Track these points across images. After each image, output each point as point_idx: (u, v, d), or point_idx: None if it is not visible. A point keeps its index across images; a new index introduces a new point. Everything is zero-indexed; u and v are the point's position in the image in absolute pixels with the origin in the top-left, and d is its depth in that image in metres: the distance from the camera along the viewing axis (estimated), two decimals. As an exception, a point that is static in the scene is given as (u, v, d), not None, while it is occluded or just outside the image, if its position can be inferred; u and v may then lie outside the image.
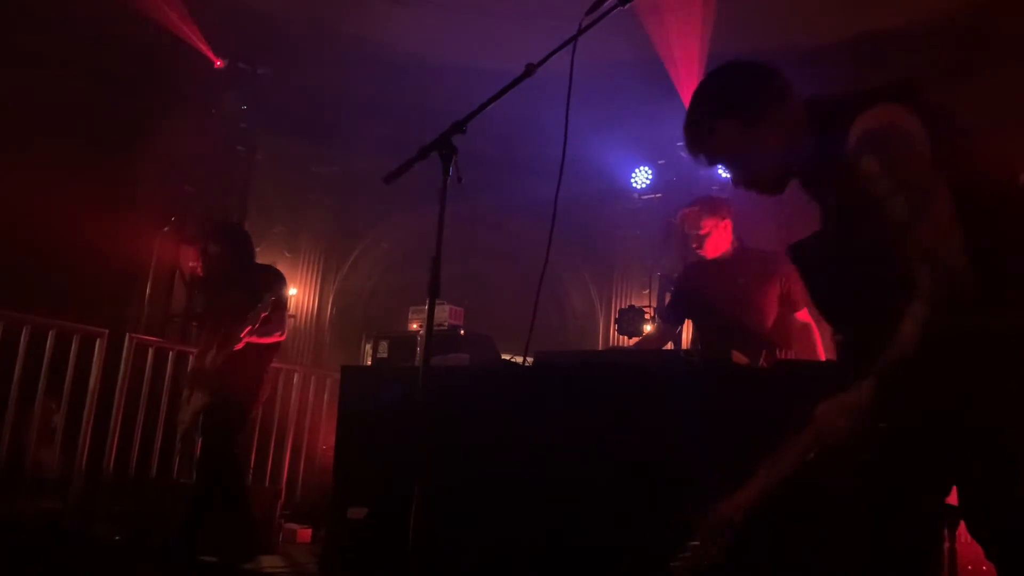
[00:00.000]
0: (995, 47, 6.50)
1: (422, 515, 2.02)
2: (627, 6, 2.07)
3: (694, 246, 4.10)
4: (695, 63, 7.13)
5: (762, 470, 1.84)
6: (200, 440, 4.26)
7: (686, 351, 4.95)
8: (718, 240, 4.02)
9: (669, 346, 4.57)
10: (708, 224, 3.99)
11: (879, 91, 1.85)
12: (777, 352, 3.87)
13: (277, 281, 4.39)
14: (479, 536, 3.19)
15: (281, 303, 4.36)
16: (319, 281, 9.03)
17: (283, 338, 4.44)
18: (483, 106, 2.08)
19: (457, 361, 4.08)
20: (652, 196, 8.13)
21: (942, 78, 6.62)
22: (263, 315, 4.12)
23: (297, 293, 8.73)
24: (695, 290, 4.18)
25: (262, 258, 8.30)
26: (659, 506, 2.83)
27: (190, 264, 4.36)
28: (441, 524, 2.22)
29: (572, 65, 2.09)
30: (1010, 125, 6.36)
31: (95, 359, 5.39)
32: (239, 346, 4.13)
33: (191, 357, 4.54)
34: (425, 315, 2.18)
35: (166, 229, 7.32)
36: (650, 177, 8.17)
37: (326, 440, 6.39)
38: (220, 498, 4.20)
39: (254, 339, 4.18)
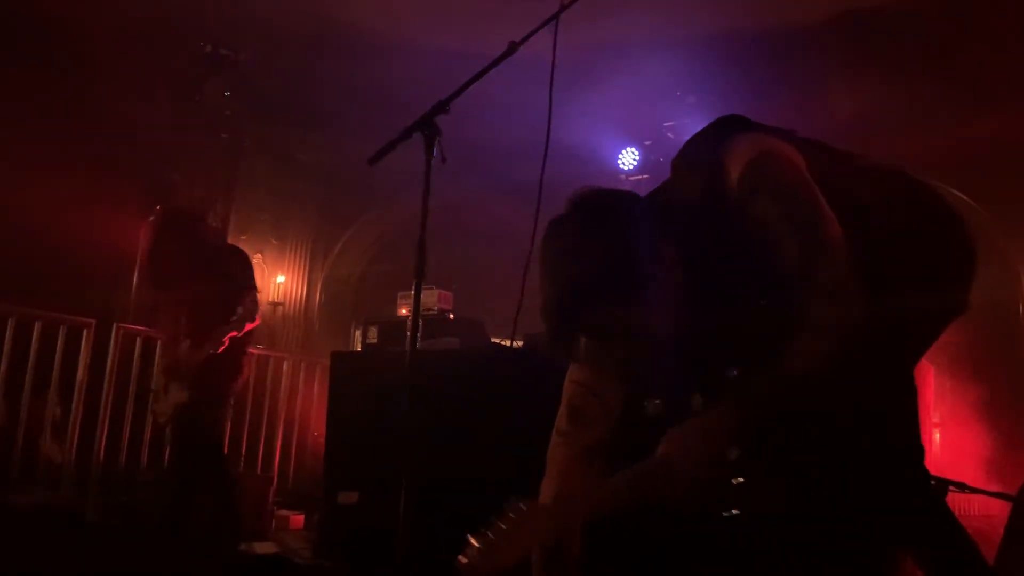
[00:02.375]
0: (984, 24, 6.50)
1: (412, 499, 2.02)
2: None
3: None
4: (681, 42, 7.10)
5: (602, 488, 1.68)
6: (179, 431, 4.23)
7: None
8: None
9: None
10: None
11: (727, 123, 1.78)
12: None
13: (245, 265, 4.32)
14: (470, 520, 3.19)
15: (253, 289, 4.29)
16: (307, 268, 8.99)
17: (258, 322, 4.37)
18: (466, 85, 2.06)
19: (447, 345, 4.08)
20: (639, 177, 8.12)
21: (931, 56, 6.64)
22: (248, 327, 4.11)
23: (285, 280, 8.69)
24: None
25: (249, 245, 8.29)
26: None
27: (144, 259, 4.18)
28: (432, 508, 2.22)
29: (555, 42, 2.07)
30: (999, 102, 6.41)
31: (82, 350, 5.35)
32: (221, 349, 4.07)
33: (166, 347, 4.45)
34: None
35: (151, 218, 7.25)
36: (637, 158, 8.16)
37: (317, 427, 6.39)
38: (206, 485, 4.18)
39: (232, 333, 4.15)
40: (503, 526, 1.60)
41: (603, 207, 1.70)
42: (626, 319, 1.64)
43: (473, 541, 1.60)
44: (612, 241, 1.63)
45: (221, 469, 4.33)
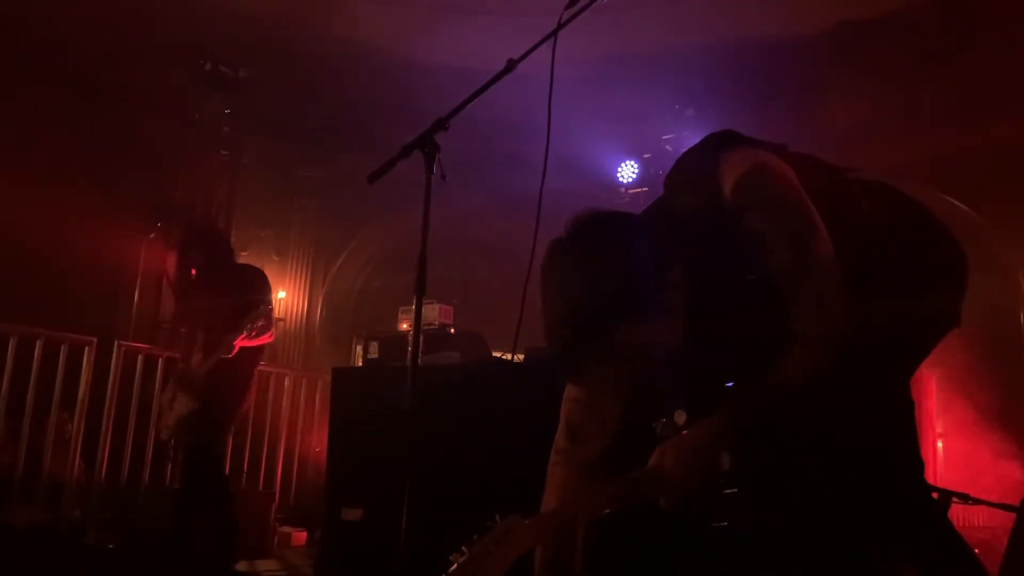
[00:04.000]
0: (981, 33, 6.54)
1: (414, 515, 2.02)
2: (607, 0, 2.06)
3: None
4: (679, 56, 7.13)
5: (584, 497, 1.73)
6: (185, 445, 4.24)
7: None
8: None
9: None
10: None
11: (721, 138, 1.78)
12: None
13: (263, 283, 4.37)
14: (472, 535, 3.18)
15: (269, 304, 4.32)
16: (308, 283, 9.00)
17: (271, 339, 4.41)
18: (465, 102, 2.07)
19: (448, 360, 4.08)
20: (639, 190, 8.14)
21: (929, 66, 6.67)
22: (260, 323, 4.10)
23: (286, 296, 8.70)
24: None
25: (250, 261, 8.30)
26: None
27: (171, 273, 4.30)
28: (434, 523, 2.22)
29: (553, 60, 2.08)
30: (997, 111, 6.44)
31: (84, 367, 5.35)
32: (232, 354, 4.09)
33: (179, 360, 4.49)
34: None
35: (152, 236, 7.29)
36: (636, 171, 8.19)
37: (319, 442, 6.38)
38: (205, 501, 4.17)
39: (245, 343, 4.16)
40: (485, 542, 1.61)
41: (607, 227, 1.69)
42: (636, 338, 1.62)
43: (454, 559, 1.60)
44: (620, 261, 1.61)
45: (220, 484, 4.32)
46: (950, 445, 5.66)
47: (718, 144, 1.77)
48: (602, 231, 1.68)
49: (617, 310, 1.59)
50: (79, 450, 5.31)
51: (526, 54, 2.08)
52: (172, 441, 4.45)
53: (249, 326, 4.07)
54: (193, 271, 4.28)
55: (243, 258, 8.11)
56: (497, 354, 4.36)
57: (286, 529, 5.68)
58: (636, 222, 1.75)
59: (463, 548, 1.61)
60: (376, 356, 4.69)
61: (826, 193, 1.71)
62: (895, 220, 1.83)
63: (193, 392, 4.14)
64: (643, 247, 1.64)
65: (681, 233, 1.69)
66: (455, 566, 1.60)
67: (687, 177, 1.80)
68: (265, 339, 4.31)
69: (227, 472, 5.00)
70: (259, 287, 4.31)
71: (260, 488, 6.04)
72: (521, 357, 3.75)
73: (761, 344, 1.64)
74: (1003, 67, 6.42)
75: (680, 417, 1.72)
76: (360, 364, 4.91)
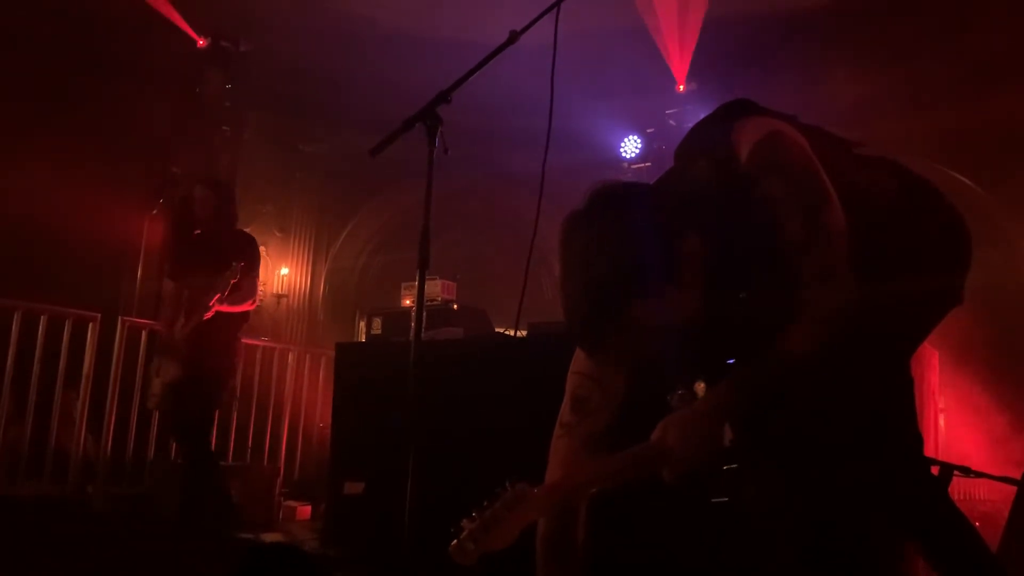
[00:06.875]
0: (986, 5, 6.47)
1: (418, 489, 2.03)
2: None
3: None
4: (683, 30, 7.08)
5: (591, 468, 1.75)
6: (176, 414, 4.25)
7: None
8: None
9: None
10: None
11: (735, 106, 1.77)
12: None
13: (249, 247, 4.35)
14: (475, 506, 3.20)
15: (252, 269, 4.30)
16: (311, 259, 9.00)
17: (253, 306, 4.39)
18: (467, 75, 2.06)
19: (451, 335, 4.09)
20: (641, 165, 8.11)
21: (934, 38, 6.60)
22: (232, 281, 4.07)
23: (289, 272, 8.70)
24: None
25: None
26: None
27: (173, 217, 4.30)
28: (437, 497, 2.23)
29: (556, 30, 2.06)
30: (1003, 84, 6.38)
31: (88, 343, 5.37)
32: (208, 315, 4.08)
33: (161, 329, 4.49)
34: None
35: (154, 211, 7.28)
36: (639, 146, 8.15)
37: (323, 417, 6.41)
38: (193, 471, 4.19)
39: (224, 308, 4.14)
40: (496, 508, 1.62)
41: (624, 199, 1.67)
42: (655, 311, 1.60)
43: (464, 524, 1.61)
44: (638, 234, 1.60)
45: (205, 450, 4.33)
46: (952, 419, 5.67)
47: (733, 112, 1.76)
48: (619, 203, 1.66)
49: (636, 283, 1.58)
50: (84, 424, 5.34)
51: (529, 25, 2.06)
52: (157, 410, 4.45)
53: (223, 284, 4.04)
54: (198, 209, 4.30)
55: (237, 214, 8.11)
56: (500, 330, 4.37)
57: (291, 503, 5.72)
58: (652, 193, 1.73)
59: (474, 514, 1.62)
60: (379, 332, 4.70)
61: (834, 166, 1.69)
62: (900, 196, 1.82)
63: (176, 357, 4.13)
64: (660, 218, 1.62)
65: (697, 202, 1.67)
66: (466, 531, 1.61)
67: (702, 146, 1.78)
68: (246, 307, 4.29)
69: (214, 442, 5.00)
70: (248, 253, 4.28)
71: (265, 463, 6.08)
72: (524, 332, 3.76)
73: (776, 316, 1.63)
74: (1009, 41, 6.36)
75: (700, 388, 1.71)
76: (363, 339, 4.92)
